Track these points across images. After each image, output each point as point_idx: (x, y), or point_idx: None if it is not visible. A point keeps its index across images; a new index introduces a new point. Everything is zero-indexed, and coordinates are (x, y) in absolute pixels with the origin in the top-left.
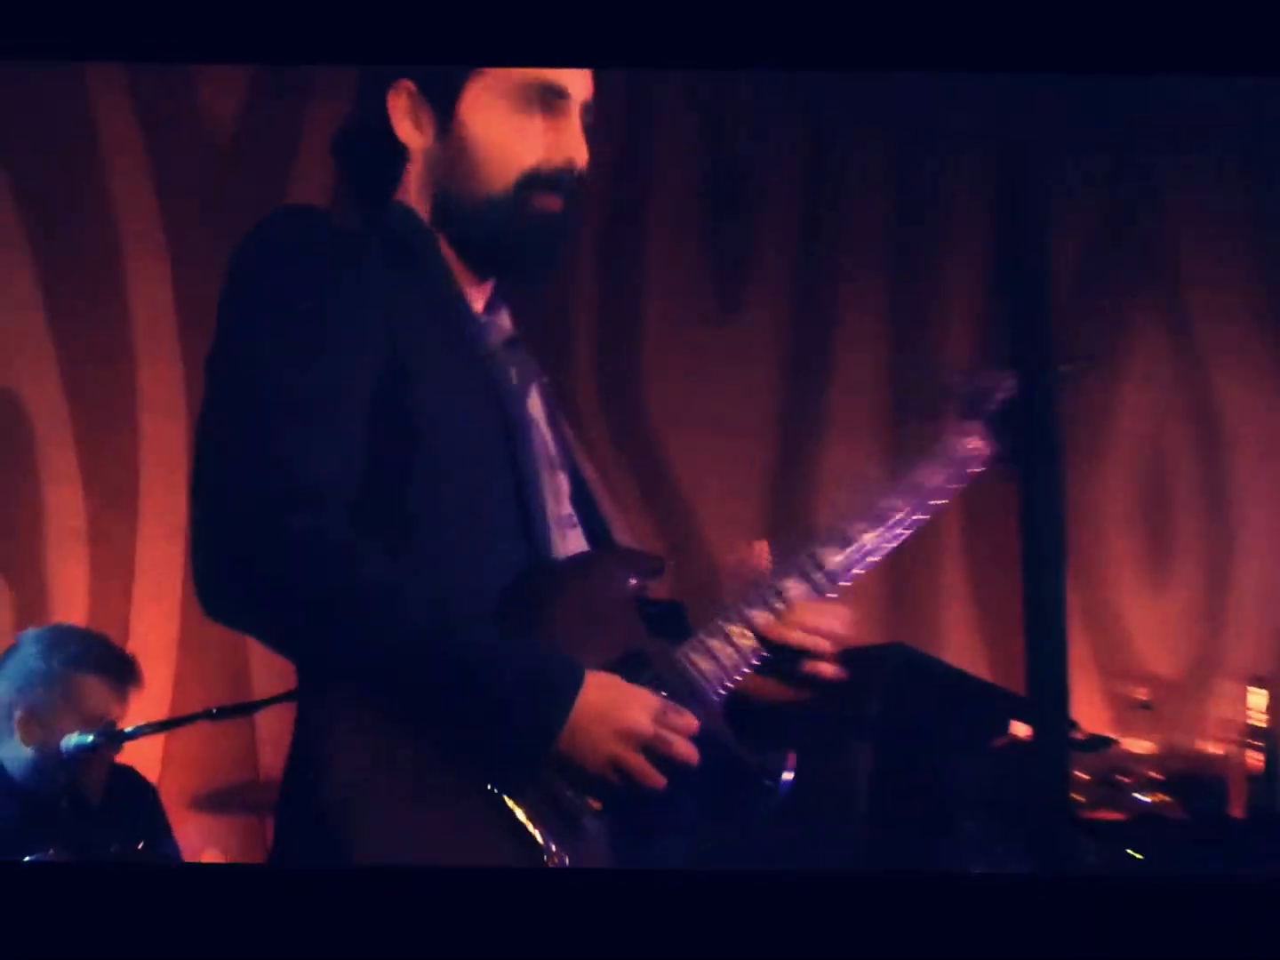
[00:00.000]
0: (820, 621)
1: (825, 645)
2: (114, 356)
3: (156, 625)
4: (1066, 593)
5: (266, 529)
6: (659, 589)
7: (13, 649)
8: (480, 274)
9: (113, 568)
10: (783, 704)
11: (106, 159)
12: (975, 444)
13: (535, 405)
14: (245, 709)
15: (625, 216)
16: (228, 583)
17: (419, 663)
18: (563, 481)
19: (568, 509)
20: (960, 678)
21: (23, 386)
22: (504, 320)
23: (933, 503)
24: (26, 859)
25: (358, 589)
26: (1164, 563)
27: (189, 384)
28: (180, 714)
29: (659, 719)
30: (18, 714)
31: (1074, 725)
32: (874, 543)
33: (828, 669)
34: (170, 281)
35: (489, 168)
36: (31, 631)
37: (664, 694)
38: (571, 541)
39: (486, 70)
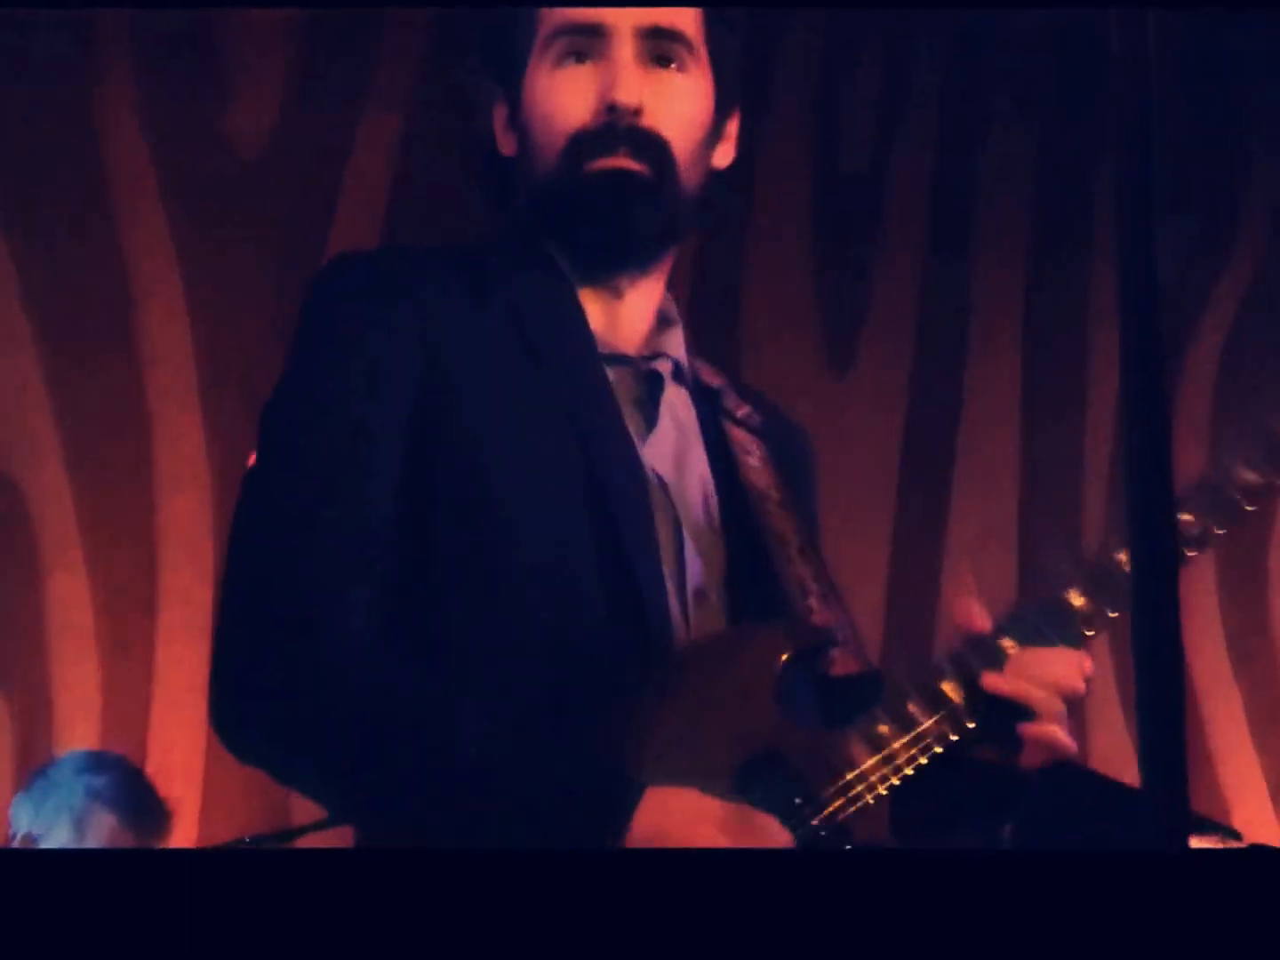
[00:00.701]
0: (1046, 671)
1: (1045, 697)
2: (123, 429)
3: (179, 736)
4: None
5: (273, 655)
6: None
7: (45, 767)
8: (593, 277)
9: (127, 671)
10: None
11: (118, 207)
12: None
13: (688, 448)
14: (285, 837)
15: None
16: (238, 718)
17: (457, 802)
18: (712, 545)
19: (702, 579)
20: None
21: (21, 470)
22: (657, 338)
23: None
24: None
25: (386, 726)
26: None
27: (210, 454)
28: (208, 842)
29: (737, 835)
30: (20, 833)
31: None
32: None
33: (1048, 734)
34: (190, 341)
35: (543, 142)
36: (70, 754)
37: (799, 799)
38: (703, 619)
39: (536, 40)
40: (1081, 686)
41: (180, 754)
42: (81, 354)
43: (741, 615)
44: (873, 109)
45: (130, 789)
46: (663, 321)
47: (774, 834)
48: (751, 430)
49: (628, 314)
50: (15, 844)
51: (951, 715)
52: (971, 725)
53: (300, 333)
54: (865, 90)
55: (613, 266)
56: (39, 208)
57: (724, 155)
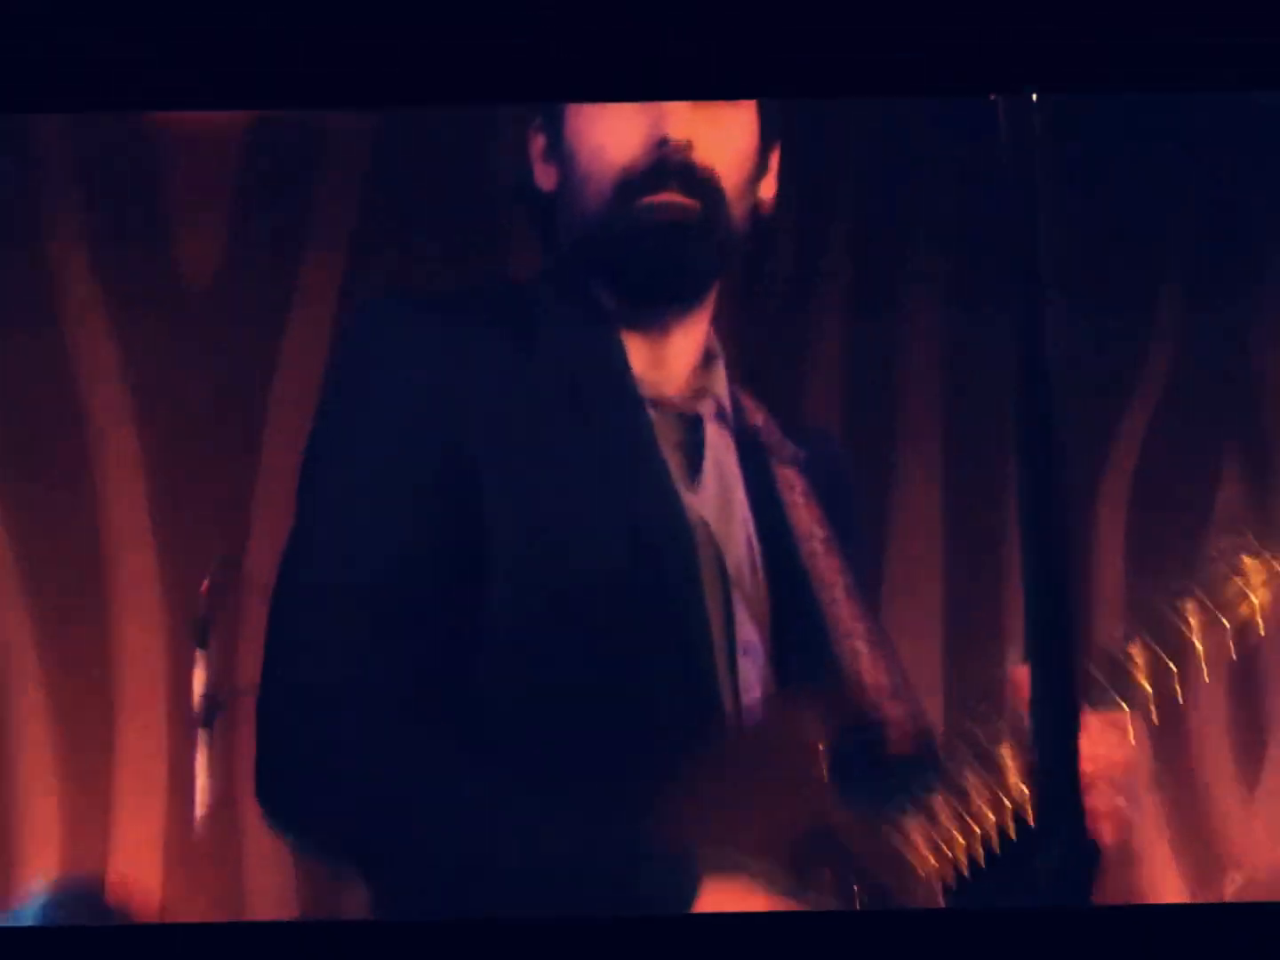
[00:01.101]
0: (1107, 746)
1: (1100, 769)
2: (81, 568)
3: (136, 857)
4: None
5: (298, 729)
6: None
7: (27, 906)
8: (640, 315)
9: (88, 808)
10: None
11: (76, 367)
12: None
13: (731, 491)
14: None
15: None
16: (275, 797)
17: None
18: (756, 592)
19: (749, 628)
20: None
21: None
22: (702, 376)
23: None
24: None
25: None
26: None
27: (165, 588)
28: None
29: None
30: None
31: None
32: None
33: (1106, 805)
34: (142, 478)
35: (589, 176)
36: (44, 891)
37: (855, 884)
38: (750, 669)
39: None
40: (1131, 751)
41: (137, 873)
42: (36, 494)
43: (788, 663)
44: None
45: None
46: (707, 358)
47: None
48: (795, 465)
49: (673, 352)
50: None
51: (1005, 786)
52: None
53: (335, 381)
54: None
55: (660, 305)
56: None
57: (768, 187)
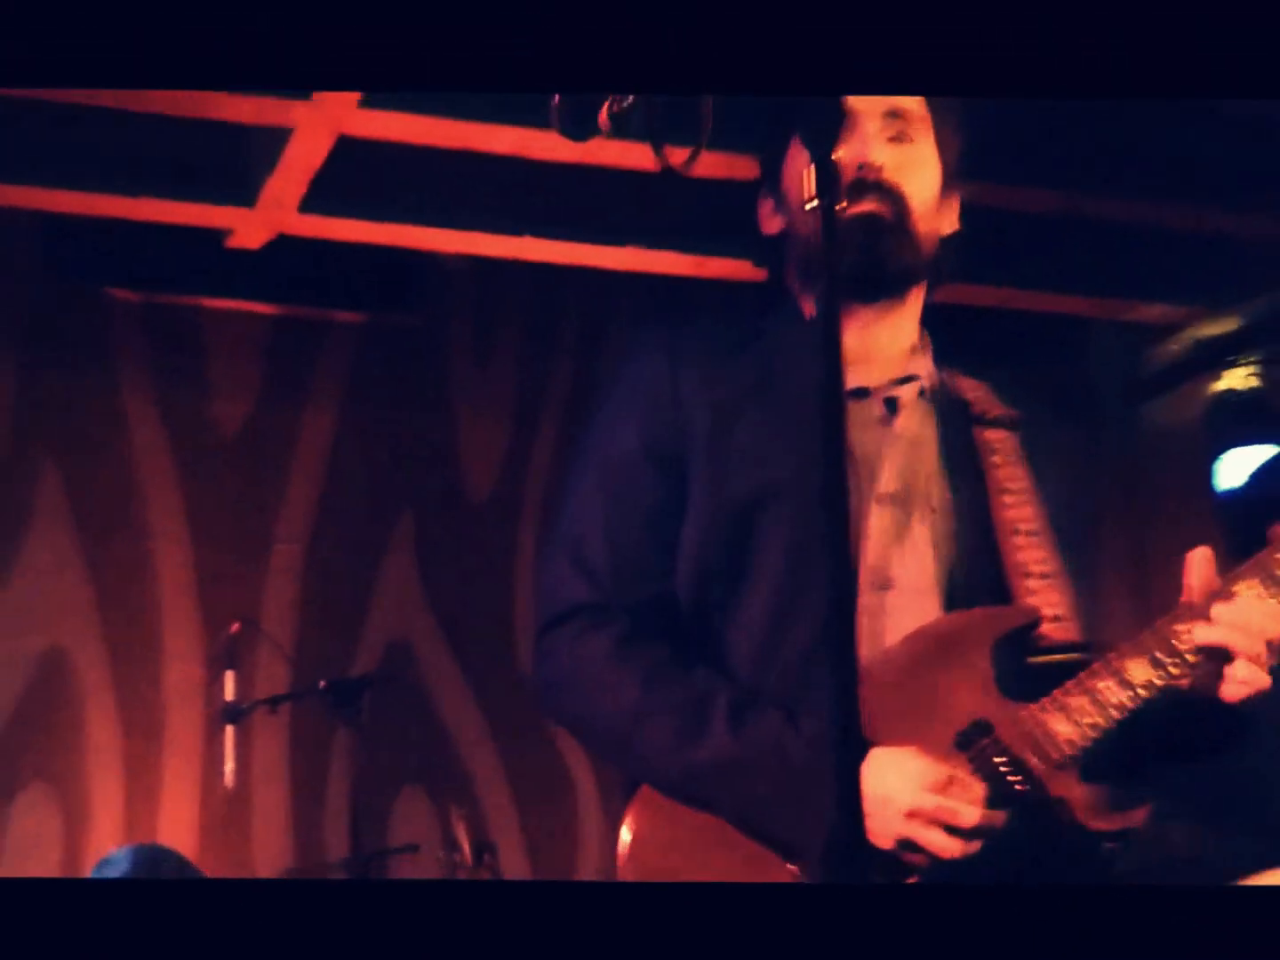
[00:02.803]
0: (1249, 618)
1: (1246, 640)
2: (144, 616)
3: (179, 835)
4: None
5: (547, 637)
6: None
7: (108, 860)
8: (850, 308)
9: (142, 787)
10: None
11: (136, 461)
12: None
13: (919, 459)
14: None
15: None
16: (538, 690)
17: (708, 777)
18: (940, 541)
19: (886, 570)
20: None
21: (70, 646)
22: (910, 363)
23: None
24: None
25: (630, 711)
26: None
27: (206, 636)
28: None
29: (942, 787)
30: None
31: None
32: None
33: (1244, 670)
34: (192, 567)
35: (796, 209)
36: (118, 852)
37: (1001, 757)
38: (901, 601)
39: (790, 142)
40: None
41: (180, 842)
42: (111, 551)
43: (966, 600)
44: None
45: (179, 864)
46: (915, 349)
47: (974, 791)
48: (1005, 426)
49: (882, 343)
50: None
51: (1160, 665)
52: (1178, 673)
53: (614, 385)
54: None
55: (867, 297)
56: (87, 468)
57: (950, 224)
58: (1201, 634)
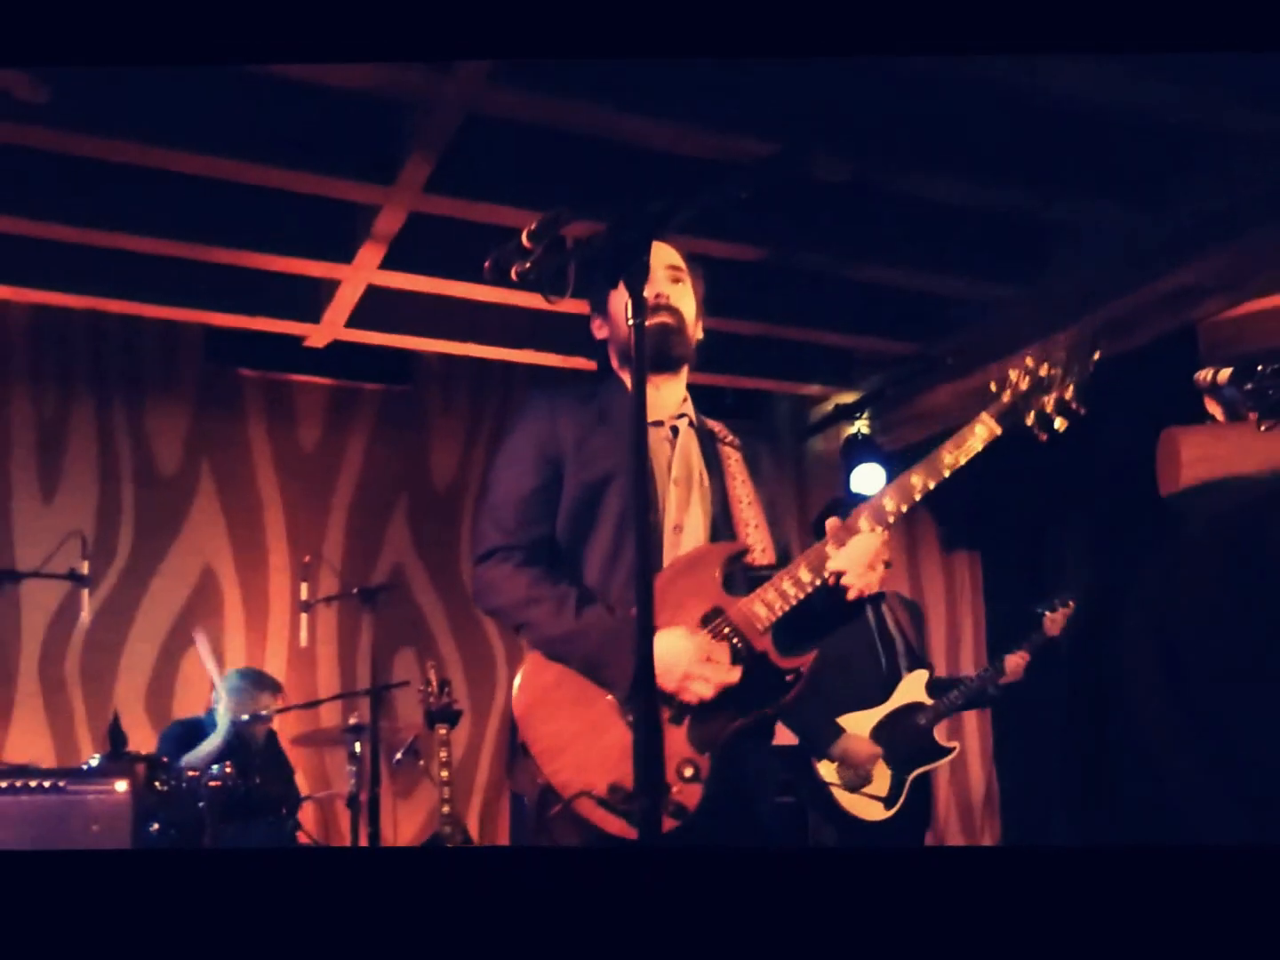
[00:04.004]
0: (857, 550)
1: (856, 565)
2: (258, 550)
3: (275, 668)
4: None
5: (478, 566)
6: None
7: (225, 677)
8: (650, 378)
9: (255, 642)
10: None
11: (254, 465)
12: None
13: (692, 461)
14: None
15: None
16: (474, 594)
17: (564, 641)
18: (703, 506)
19: (693, 525)
20: None
21: (216, 566)
22: (682, 407)
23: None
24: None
25: (522, 604)
26: None
27: (292, 561)
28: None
29: (703, 657)
30: (226, 702)
31: None
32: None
33: (856, 590)
34: (284, 524)
35: (622, 323)
36: (233, 670)
37: (729, 629)
38: (691, 543)
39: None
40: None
41: (275, 671)
42: (241, 519)
43: (718, 538)
44: None
45: (264, 676)
46: (685, 400)
47: (720, 656)
48: (732, 445)
49: (666, 396)
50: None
51: (814, 571)
52: (821, 579)
53: (518, 418)
54: None
55: (661, 370)
56: (226, 469)
57: (700, 332)
58: (831, 562)
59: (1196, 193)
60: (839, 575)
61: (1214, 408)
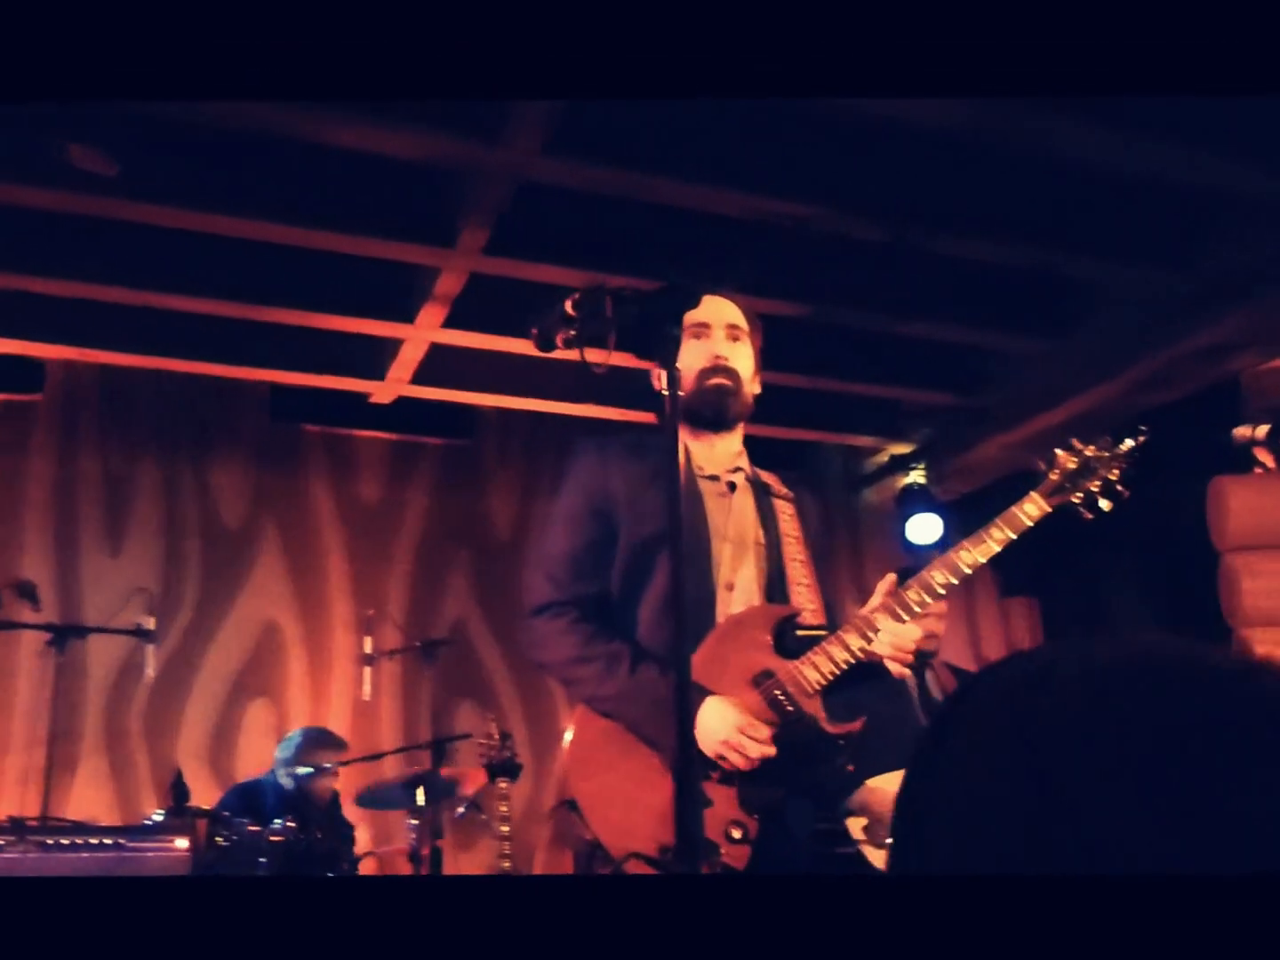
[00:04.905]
0: (899, 637)
1: (897, 651)
2: (321, 603)
3: (338, 723)
4: None
5: (531, 619)
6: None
7: (289, 736)
8: (704, 435)
9: (319, 697)
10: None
11: (316, 516)
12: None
13: (746, 515)
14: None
15: None
16: (526, 650)
17: (614, 700)
18: (757, 564)
19: (746, 584)
20: None
21: (279, 619)
22: (737, 461)
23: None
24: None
25: (573, 661)
26: None
27: (355, 615)
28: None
29: (743, 729)
30: (288, 762)
31: None
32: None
33: (898, 666)
34: (348, 576)
35: (685, 378)
36: (297, 730)
37: (779, 691)
38: (739, 597)
39: (684, 334)
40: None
41: (337, 727)
42: (305, 569)
43: (771, 597)
44: None
45: (327, 735)
46: (740, 454)
47: (761, 730)
48: (786, 499)
49: (721, 451)
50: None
51: (863, 638)
52: (863, 649)
53: (569, 473)
54: None
55: (718, 429)
56: (290, 521)
57: (757, 386)
58: (876, 643)
59: (1222, 252)
60: (886, 651)
61: (1264, 456)
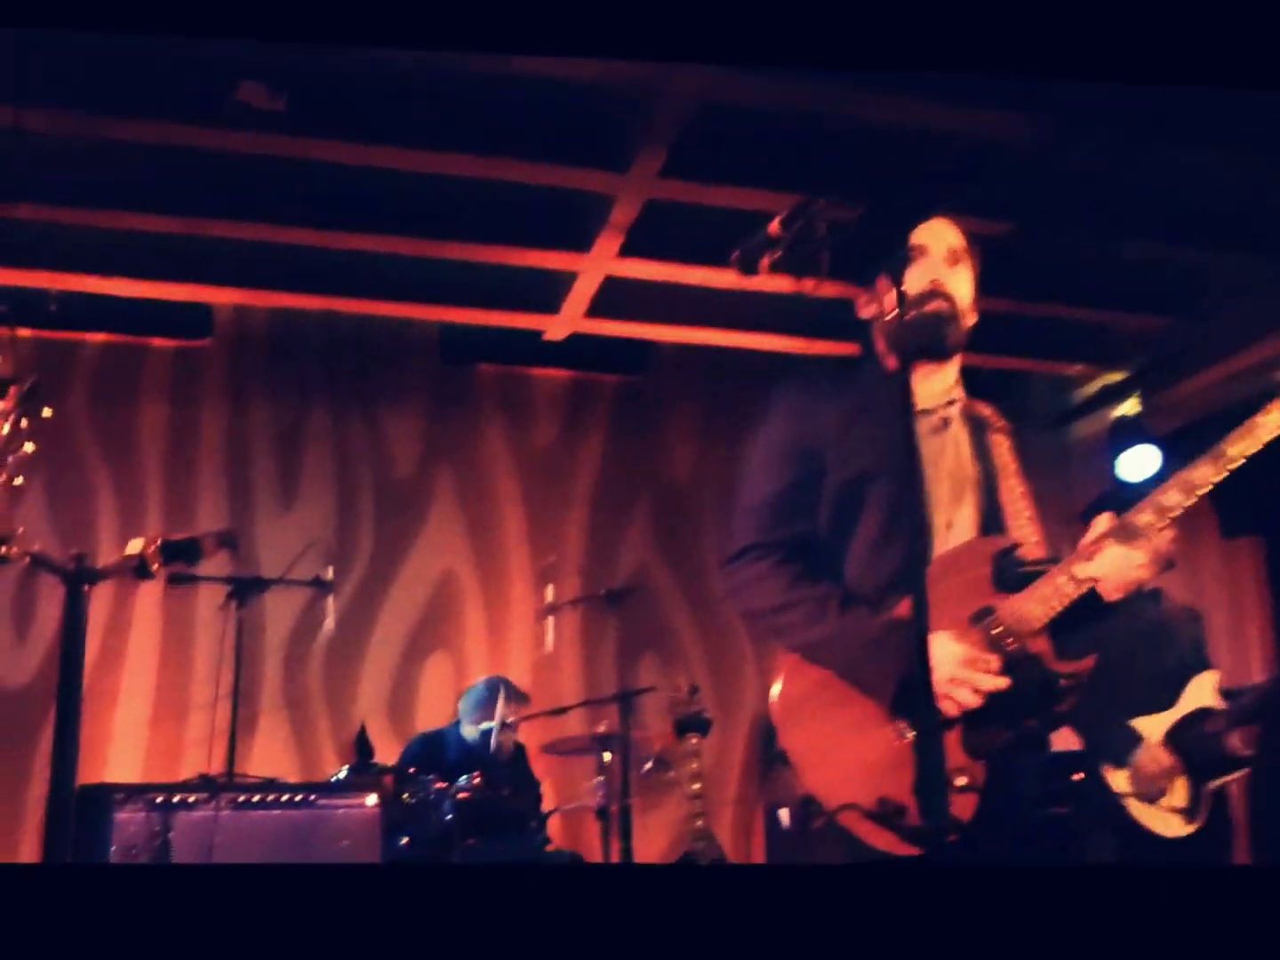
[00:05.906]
0: (1128, 560)
1: (1128, 576)
2: (499, 553)
3: (519, 673)
4: None
5: (730, 564)
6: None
7: (472, 687)
8: (921, 364)
9: (498, 647)
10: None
11: (490, 464)
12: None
13: (960, 449)
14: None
15: None
16: (727, 595)
17: (825, 645)
18: (970, 496)
19: (961, 516)
20: None
21: (457, 569)
22: (953, 391)
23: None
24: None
25: (780, 605)
26: None
27: (533, 565)
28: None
29: (971, 662)
30: (471, 715)
31: None
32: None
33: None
34: (525, 523)
35: (891, 304)
36: (480, 680)
37: (1000, 628)
38: (963, 534)
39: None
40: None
41: (518, 677)
42: (480, 520)
43: (988, 532)
44: None
45: (510, 686)
46: (954, 385)
47: (990, 662)
48: (1003, 431)
49: (936, 384)
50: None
51: (1059, 596)
52: (1090, 577)
53: (770, 408)
54: None
55: (933, 358)
56: (463, 469)
57: (974, 317)
58: (1102, 562)
59: None
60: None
61: None
